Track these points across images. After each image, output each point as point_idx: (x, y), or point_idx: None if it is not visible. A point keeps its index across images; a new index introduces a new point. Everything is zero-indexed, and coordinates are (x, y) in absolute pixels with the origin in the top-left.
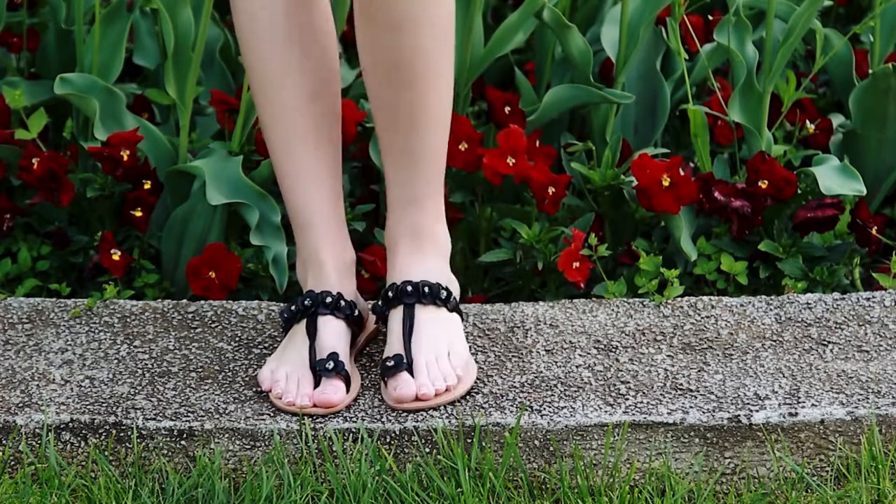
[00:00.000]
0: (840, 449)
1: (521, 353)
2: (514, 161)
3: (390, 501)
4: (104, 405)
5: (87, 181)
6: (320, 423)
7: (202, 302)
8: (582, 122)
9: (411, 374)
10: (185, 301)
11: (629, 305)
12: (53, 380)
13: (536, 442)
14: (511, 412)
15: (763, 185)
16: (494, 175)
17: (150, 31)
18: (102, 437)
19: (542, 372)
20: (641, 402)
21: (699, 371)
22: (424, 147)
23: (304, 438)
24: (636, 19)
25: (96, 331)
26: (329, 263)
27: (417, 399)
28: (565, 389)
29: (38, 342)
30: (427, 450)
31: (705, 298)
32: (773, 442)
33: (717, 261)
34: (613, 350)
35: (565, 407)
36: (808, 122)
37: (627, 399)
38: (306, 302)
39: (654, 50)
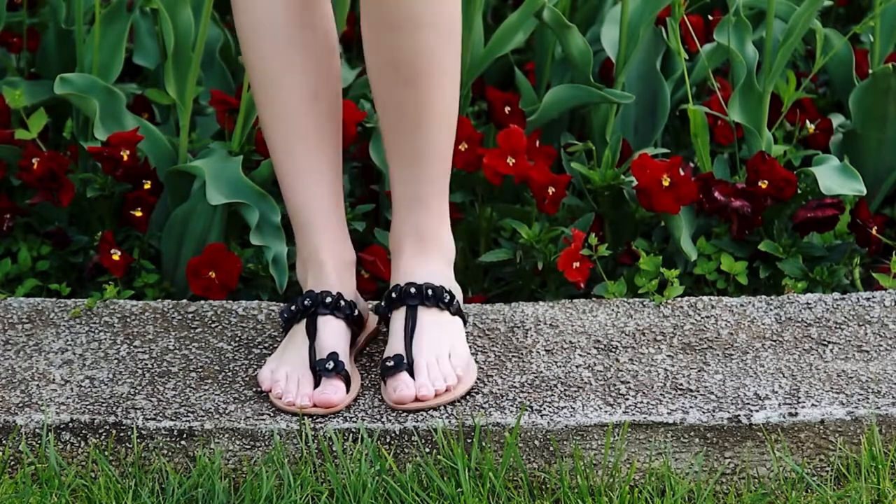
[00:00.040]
0: (840, 449)
1: (521, 353)
2: (514, 161)
3: (390, 501)
4: (104, 405)
5: (87, 181)
6: (320, 423)
7: (202, 302)
8: (582, 122)
9: (411, 374)
10: (185, 301)
11: (629, 305)
12: (53, 380)
13: (536, 442)
14: (511, 412)
15: (763, 185)
16: (494, 175)
17: (150, 31)
18: (102, 437)
19: (542, 372)
20: (641, 402)
21: (699, 371)
22: (429, 146)
23: (304, 438)
24: (636, 19)
25: (96, 331)
26: (329, 263)
27: (417, 399)
28: (565, 389)
29: (38, 342)
30: (427, 450)
31: (705, 298)
32: (773, 442)
33: (717, 261)
34: (613, 350)
35: (565, 407)
36: (808, 122)
37: (627, 399)
38: (306, 302)
39: (654, 50)
